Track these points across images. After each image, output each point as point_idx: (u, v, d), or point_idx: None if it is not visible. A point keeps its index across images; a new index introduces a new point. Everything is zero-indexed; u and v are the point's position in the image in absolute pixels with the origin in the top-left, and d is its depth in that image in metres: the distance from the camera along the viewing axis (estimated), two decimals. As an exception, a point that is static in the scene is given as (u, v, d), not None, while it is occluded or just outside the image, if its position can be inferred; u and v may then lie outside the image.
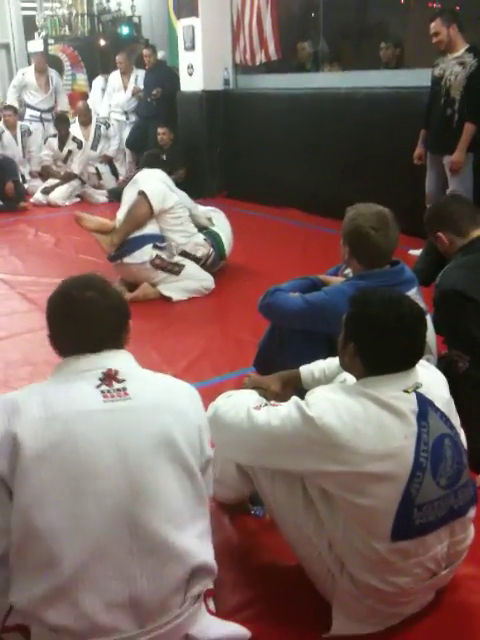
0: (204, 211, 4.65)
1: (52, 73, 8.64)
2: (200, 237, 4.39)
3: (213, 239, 4.47)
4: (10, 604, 1.38)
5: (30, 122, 8.44)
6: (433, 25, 4.40)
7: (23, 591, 1.35)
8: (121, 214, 4.32)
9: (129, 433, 1.42)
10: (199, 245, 4.37)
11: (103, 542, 1.34)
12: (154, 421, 1.46)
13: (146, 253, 4.18)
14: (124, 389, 1.47)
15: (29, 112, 8.60)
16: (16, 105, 8.50)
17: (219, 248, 4.49)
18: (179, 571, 1.43)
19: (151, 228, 4.24)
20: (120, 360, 1.55)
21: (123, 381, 1.48)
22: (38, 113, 8.56)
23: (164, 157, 6.92)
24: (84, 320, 1.51)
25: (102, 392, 1.44)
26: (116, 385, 1.46)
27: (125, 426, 1.42)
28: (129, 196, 4.32)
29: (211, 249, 4.42)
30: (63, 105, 8.77)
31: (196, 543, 1.47)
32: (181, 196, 4.38)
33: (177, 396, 1.58)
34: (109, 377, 1.47)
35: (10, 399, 1.44)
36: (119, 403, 1.44)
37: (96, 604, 1.32)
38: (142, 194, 4.19)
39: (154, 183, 4.25)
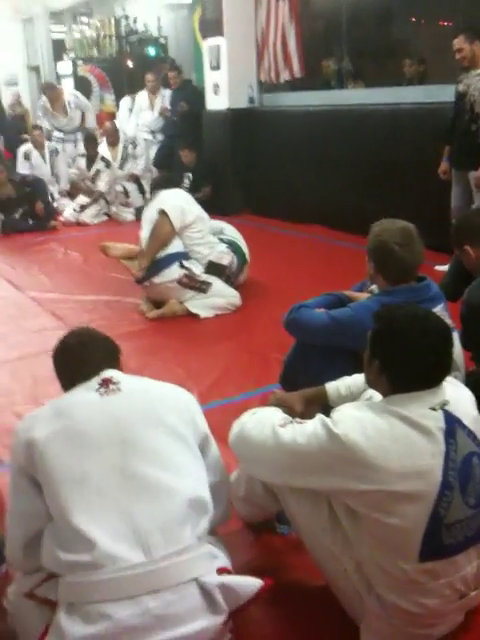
0: (213, 225, 4.72)
1: (70, 97, 8.65)
2: (223, 246, 4.48)
3: (231, 245, 4.55)
4: (41, 578, 1.63)
5: (56, 142, 8.59)
6: (456, 41, 4.42)
7: (50, 550, 1.58)
8: (144, 233, 4.38)
9: (120, 408, 1.68)
10: (223, 253, 4.44)
11: (102, 487, 1.56)
12: (142, 399, 1.73)
13: (174, 272, 4.23)
14: (119, 389, 1.72)
15: (55, 134, 8.74)
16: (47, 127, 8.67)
17: (239, 253, 4.56)
18: (172, 501, 1.57)
19: (176, 246, 4.30)
20: (114, 371, 1.80)
21: (118, 383, 1.73)
22: (62, 134, 8.68)
23: (190, 175, 7.01)
24: (80, 359, 1.80)
25: (100, 394, 1.70)
26: (112, 386, 1.72)
27: (116, 405, 1.69)
28: (149, 216, 4.39)
29: (233, 255, 4.48)
30: (90, 123, 8.76)
31: (188, 482, 1.63)
32: (200, 210, 4.47)
33: (165, 386, 1.85)
34: (105, 382, 1.73)
35: (28, 417, 1.74)
36: (113, 395, 1.70)
37: (104, 537, 1.51)
38: (162, 213, 4.26)
39: (172, 201, 4.34)
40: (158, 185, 4.74)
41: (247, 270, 4.67)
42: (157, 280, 4.27)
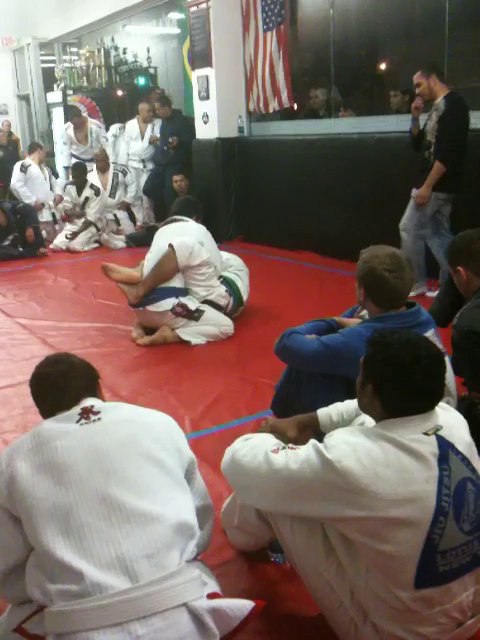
0: (226, 260, 4.70)
1: (92, 125, 8.75)
2: (222, 289, 4.43)
3: (230, 287, 4.51)
4: (30, 611, 1.60)
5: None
6: (415, 77, 4.77)
7: (36, 581, 1.56)
8: (149, 257, 4.38)
9: (100, 437, 1.67)
10: (221, 296, 4.41)
11: (86, 518, 1.55)
12: (121, 429, 1.71)
13: (168, 303, 4.22)
14: (99, 419, 1.71)
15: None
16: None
17: (236, 295, 4.53)
18: (157, 528, 1.56)
19: (176, 282, 4.29)
20: (95, 400, 1.80)
21: (98, 412, 1.73)
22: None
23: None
24: (58, 388, 1.78)
25: (80, 425, 1.70)
26: (93, 417, 1.71)
27: (96, 434, 1.68)
28: (160, 245, 4.35)
29: (231, 298, 4.47)
30: (114, 156, 8.76)
31: (172, 508, 1.62)
32: (212, 252, 4.39)
33: (147, 414, 1.82)
34: (86, 411, 1.72)
35: (10, 448, 1.71)
36: (93, 425, 1.70)
37: (90, 567, 1.50)
38: (171, 248, 4.23)
39: (185, 238, 4.27)
40: (180, 210, 4.67)
41: (241, 310, 4.66)
42: (150, 308, 4.27)
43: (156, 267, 4.28)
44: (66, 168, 8.71)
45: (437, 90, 4.68)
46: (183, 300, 4.25)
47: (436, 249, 4.92)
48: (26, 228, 7.23)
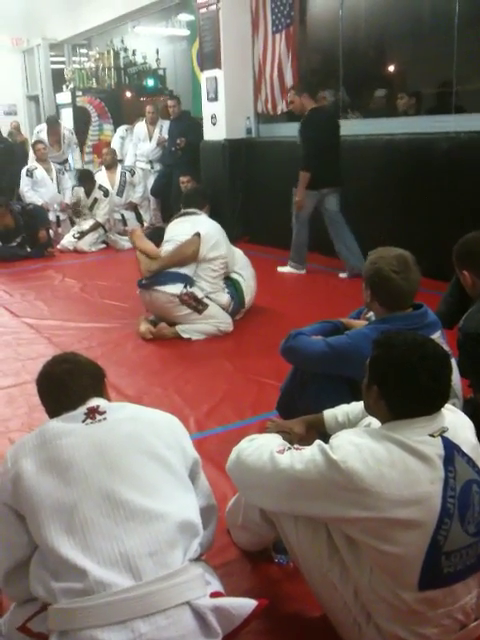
0: (239, 259, 4.74)
1: (65, 131, 8.97)
2: (226, 295, 4.48)
3: (234, 288, 4.56)
4: (34, 610, 1.60)
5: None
6: (289, 95, 5.48)
7: (40, 578, 1.57)
8: (167, 246, 4.45)
9: (104, 435, 1.68)
10: (223, 297, 4.47)
11: (90, 515, 1.56)
12: (125, 426, 1.72)
13: (177, 288, 4.29)
14: (105, 419, 1.71)
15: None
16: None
17: (239, 297, 4.57)
18: (161, 526, 1.57)
19: (188, 269, 4.35)
20: (101, 400, 1.80)
21: (104, 412, 1.73)
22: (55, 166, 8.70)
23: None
24: (64, 386, 1.79)
25: (86, 424, 1.70)
26: (98, 417, 1.72)
27: (101, 432, 1.69)
28: (180, 230, 4.43)
29: (232, 302, 4.50)
30: (72, 160, 9.14)
31: (175, 506, 1.62)
32: (226, 249, 4.47)
33: (152, 413, 1.84)
34: (92, 411, 1.73)
35: (16, 446, 1.72)
36: (98, 424, 1.71)
37: (94, 565, 1.50)
38: (197, 236, 4.32)
39: (210, 229, 4.40)
40: (190, 202, 4.71)
41: (243, 311, 4.68)
42: (160, 288, 4.32)
43: (178, 249, 4.35)
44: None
45: (306, 106, 5.49)
46: (191, 288, 4.31)
47: (339, 246, 5.63)
48: (39, 229, 7.24)
